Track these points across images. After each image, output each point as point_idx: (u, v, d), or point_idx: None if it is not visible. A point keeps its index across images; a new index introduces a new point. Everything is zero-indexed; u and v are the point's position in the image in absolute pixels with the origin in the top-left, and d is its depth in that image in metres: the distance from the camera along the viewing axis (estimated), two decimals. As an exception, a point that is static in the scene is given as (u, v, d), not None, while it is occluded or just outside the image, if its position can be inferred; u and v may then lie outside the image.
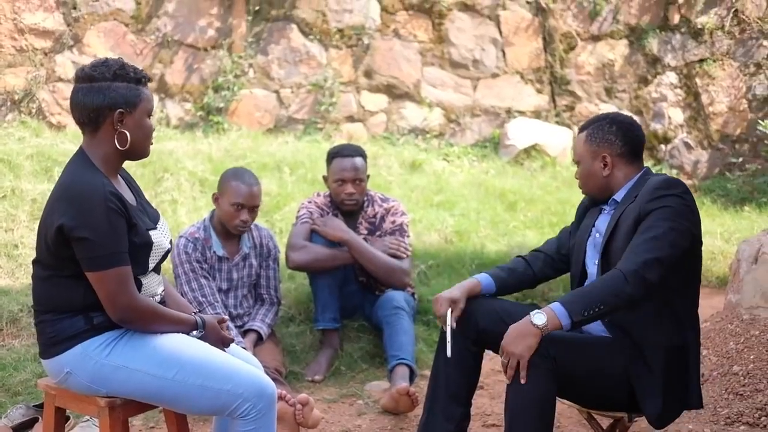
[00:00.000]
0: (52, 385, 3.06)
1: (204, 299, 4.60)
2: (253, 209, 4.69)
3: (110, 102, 2.92)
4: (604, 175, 3.45)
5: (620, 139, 3.45)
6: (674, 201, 3.24)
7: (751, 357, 4.51)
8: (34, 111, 7.82)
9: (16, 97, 7.77)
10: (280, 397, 3.88)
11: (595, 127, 3.47)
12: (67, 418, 3.75)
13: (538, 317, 3.12)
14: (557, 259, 3.75)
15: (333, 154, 5.13)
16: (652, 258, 3.15)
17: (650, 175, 3.44)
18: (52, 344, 2.93)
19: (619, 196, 3.45)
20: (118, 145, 2.96)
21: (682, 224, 3.22)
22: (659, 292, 3.25)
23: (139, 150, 3.03)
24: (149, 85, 3.06)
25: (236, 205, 4.63)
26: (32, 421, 3.98)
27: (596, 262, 3.46)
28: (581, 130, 3.55)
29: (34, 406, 4.06)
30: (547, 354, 3.13)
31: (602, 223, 3.50)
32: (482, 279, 3.64)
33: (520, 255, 3.83)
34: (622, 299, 3.15)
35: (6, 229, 5.86)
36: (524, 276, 3.73)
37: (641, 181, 3.41)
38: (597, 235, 3.50)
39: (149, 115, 3.04)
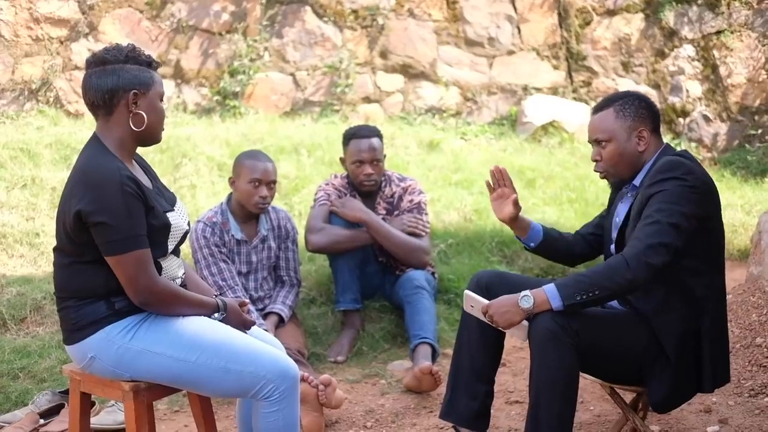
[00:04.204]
0: (76, 370, 3.08)
1: (224, 283, 4.62)
2: (269, 185, 4.70)
3: (124, 83, 2.94)
4: (640, 150, 3.40)
5: (650, 114, 3.43)
6: (674, 184, 3.21)
7: (774, 328, 4.50)
8: (51, 100, 7.85)
9: (34, 87, 7.79)
10: (303, 379, 3.90)
11: (623, 104, 3.41)
12: (93, 404, 3.79)
13: (525, 300, 3.19)
14: (592, 239, 3.77)
15: (350, 136, 5.12)
16: (655, 242, 3.14)
17: (667, 153, 3.40)
18: (75, 330, 2.95)
19: (637, 180, 3.42)
20: (133, 127, 2.97)
21: (684, 206, 3.18)
22: (672, 276, 3.24)
23: (152, 133, 3.05)
24: (162, 69, 3.07)
25: (254, 181, 4.64)
26: (58, 407, 4.02)
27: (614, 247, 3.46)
28: (601, 108, 3.46)
29: (59, 392, 4.10)
30: (571, 329, 3.14)
31: (623, 208, 3.49)
32: (535, 223, 3.71)
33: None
34: (621, 285, 3.15)
35: (27, 217, 5.89)
36: (567, 246, 3.77)
37: (659, 160, 3.38)
38: (617, 220, 3.50)
39: (161, 98, 3.05)
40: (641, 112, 3.41)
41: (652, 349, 3.27)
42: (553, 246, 3.75)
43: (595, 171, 3.52)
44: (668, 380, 3.26)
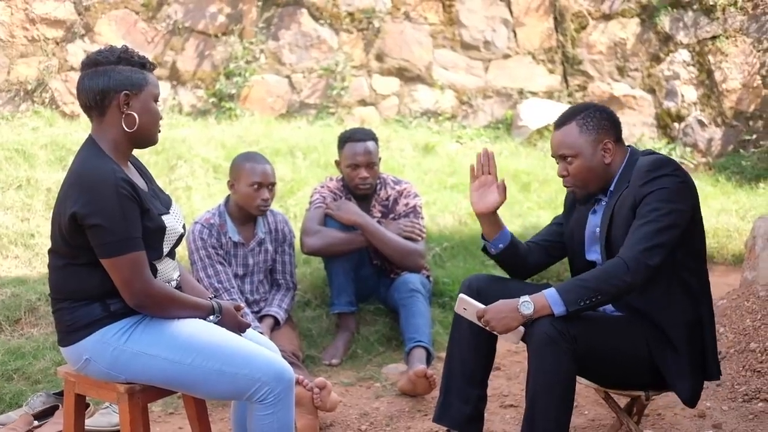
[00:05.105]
0: (71, 372, 3.08)
1: (220, 285, 4.62)
2: (270, 187, 4.70)
3: (115, 84, 2.94)
4: (606, 162, 3.38)
5: (612, 125, 3.42)
6: (668, 181, 3.22)
7: (768, 334, 4.50)
8: (47, 101, 7.84)
9: (29, 87, 7.79)
10: (298, 382, 3.90)
11: (584, 117, 3.39)
12: (87, 405, 3.78)
13: (526, 306, 3.17)
14: (549, 246, 3.73)
15: (345, 139, 5.12)
16: (653, 243, 3.15)
17: (636, 155, 3.40)
18: (70, 332, 2.95)
19: (612, 186, 3.41)
20: (125, 128, 2.96)
21: (680, 204, 3.21)
22: (670, 271, 3.26)
23: (146, 135, 3.04)
24: (158, 71, 3.07)
25: (255, 184, 4.64)
26: (53, 409, 4.02)
27: (599, 253, 3.45)
28: (563, 123, 3.42)
29: (54, 393, 4.09)
30: (569, 334, 3.14)
31: (598, 215, 3.48)
32: (505, 226, 3.63)
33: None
34: (622, 288, 3.17)
35: (22, 218, 5.89)
36: (524, 256, 3.68)
37: (630, 163, 3.38)
38: (597, 230, 3.47)
39: (156, 100, 3.04)
40: (603, 123, 3.39)
41: (659, 351, 3.28)
42: (514, 254, 3.64)
43: (564, 186, 3.51)
44: (688, 373, 3.28)
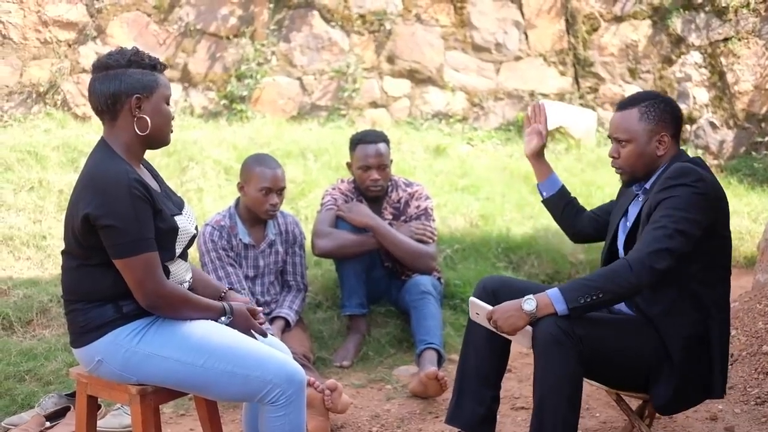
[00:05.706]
0: (83, 373, 3.09)
1: (231, 287, 4.62)
2: (280, 192, 4.71)
3: (126, 87, 2.94)
4: (659, 155, 3.39)
5: (673, 119, 3.42)
6: (683, 191, 3.21)
7: (781, 336, 4.49)
8: (59, 103, 7.86)
9: (41, 89, 7.80)
10: (309, 384, 3.90)
11: (648, 105, 3.40)
12: (99, 406, 3.79)
13: (528, 303, 3.20)
14: (599, 219, 3.84)
15: (356, 141, 5.13)
16: (660, 247, 3.14)
17: (678, 159, 3.38)
18: (82, 333, 2.95)
19: (649, 183, 3.42)
20: (138, 131, 2.97)
21: (693, 213, 3.19)
22: (679, 281, 3.24)
23: (159, 137, 3.05)
24: (169, 73, 3.07)
25: (264, 189, 4.64)
26: (64, 410, 4.03)
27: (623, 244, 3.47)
28: (626, 106, 3.44)
29: (66, 394, 4.10)
30: (575, 334, 3.14)
31: (633, 211, 3.49)
32: (556, 176, 4.01)
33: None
34: (624, 288, 3.16)
35: (34, 220, 5.90)
36: (574, 214, 3.92)
37: (669, 166, 3.37)
38: (628, 224, 3.50)
39: (167, 101, 3.05)
40: (665, 116, 3.40)
41: (659, 354, 3.27)
42: (562, 203, 3.94)
43: (612, 166, 3.53)
44: (674, 383, 3.26)
